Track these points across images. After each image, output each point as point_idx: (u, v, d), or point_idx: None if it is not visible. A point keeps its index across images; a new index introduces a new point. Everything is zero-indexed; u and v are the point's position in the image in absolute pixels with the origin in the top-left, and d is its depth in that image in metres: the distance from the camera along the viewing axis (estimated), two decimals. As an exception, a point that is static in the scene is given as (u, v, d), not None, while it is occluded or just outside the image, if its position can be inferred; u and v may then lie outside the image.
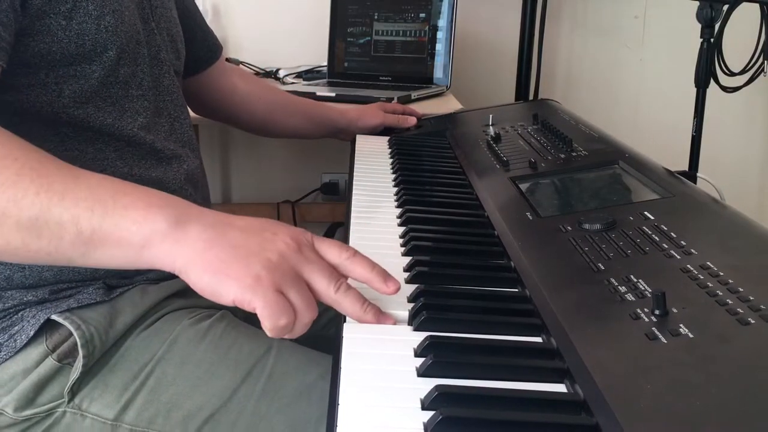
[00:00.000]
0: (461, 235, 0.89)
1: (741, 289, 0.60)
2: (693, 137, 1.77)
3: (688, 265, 0.66)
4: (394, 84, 1.91)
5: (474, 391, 0.55)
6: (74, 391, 0.80)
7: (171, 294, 0.88)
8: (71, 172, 0.67)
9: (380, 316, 0.66)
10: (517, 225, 0.86)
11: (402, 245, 0.85)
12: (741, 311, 0.57)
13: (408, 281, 0.75)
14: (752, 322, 0.56)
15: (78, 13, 0.81)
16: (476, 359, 0.59)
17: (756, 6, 1.73)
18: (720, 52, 1.73)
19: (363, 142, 1.37)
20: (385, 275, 0.67)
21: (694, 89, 1.74)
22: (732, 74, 1.79)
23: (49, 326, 0.80)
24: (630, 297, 0.63)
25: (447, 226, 0.91)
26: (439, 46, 1.93)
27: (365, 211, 0.99)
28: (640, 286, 0.65)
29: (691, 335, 0.56)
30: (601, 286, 0.67)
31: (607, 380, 0.52)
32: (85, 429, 0.81)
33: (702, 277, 0.64)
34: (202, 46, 1.20)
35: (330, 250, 0.68)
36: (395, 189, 1.08)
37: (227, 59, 2.00)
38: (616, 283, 0.66)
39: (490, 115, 1.38)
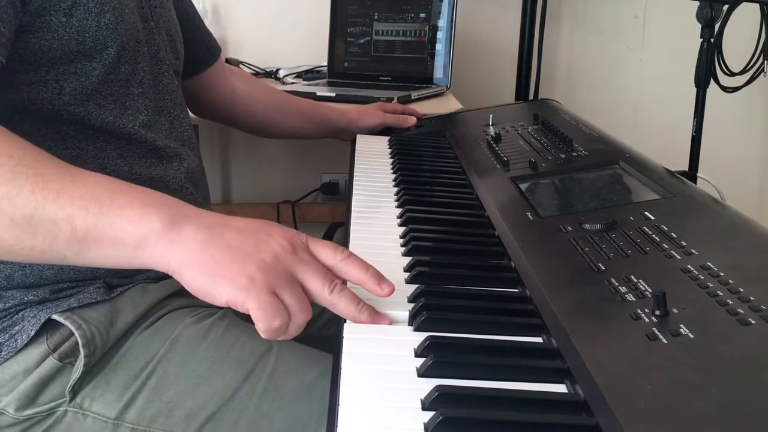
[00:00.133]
0: (461, 235, 0.89)
1: (741, 290, 0.60)
2: (693, 137, 1.77)
3: (689, 266, 0.66)
4: (394, 84, 1.91)
5: (474, 392, 0.55)
6: (75, 391, 0.80)
7: (172, 293, 0.89)
8: (68, 170, 0.68)
9: (375, 316, 0.66)
10: (518, 225, 0.86)
11: (402, 245, 0.85)
12: (741, 311, 0.57)
13: (408, 281, 0.75)
14: (752, 322, 0.56)
15: (78, 10, 0.81)
16: (477, 359, 0.59)
17: (756, 6, 1.73)
18: (720, 52, 1.73)
19: (363, 142, 1.38)
20: (379, 277, 0.67)
21: (694, 89, 1.74)
22: (732, 74, 1.79)
23: (49, 326, 0.80)
24: (630, 297, 0.63)
25: (447, 226, 0.91)
26: (439, 46, 1.93)
27: (365, 211, 0.99)
28: (641, 287, 0.65)
29: (691, 335, 0.56)
30: (601, 286, 0.67)
31: (608, 380, 0.52)
32: (87, 428, 0.81)
33: (702, 278, 0.64)
34: (200, 48, 1.20)
35: (324, 251, 0.68)
36: (395, 189, 1.08)
37: (227, 59, 2.01)
38: (617, 284, 0.66)
39: (490, 115, 1.38)
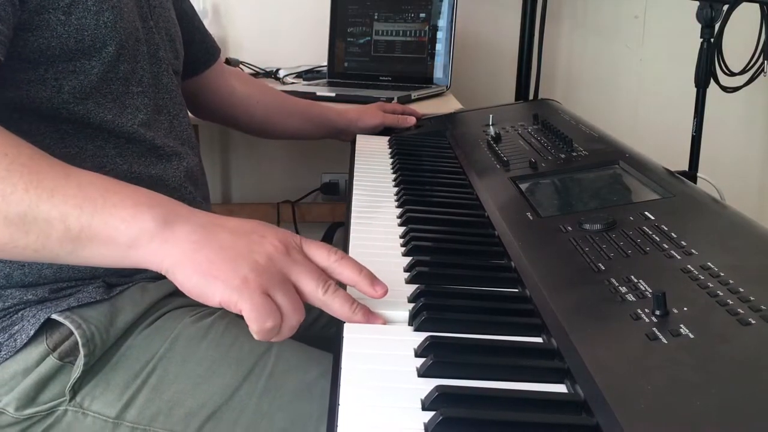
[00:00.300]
0: (461, 235, 0.89)
1: (741, 290, 0.60)
2: (693, 137, 1.77)
3: (689, 266, 0.66)
4: (394, 84, 1.91)
5: (474, 392, 0.55)
6: (75, 390, 0.80)
7: (171, 292, 0.88)
8: (62, 169, 0.67)
9: (370, 316, 0.66)
10: (518, 225, 0.86)
11: (402, 245, 0.85)
12: (741, 311, 0.57)
13: (408, 281, 0.75)
14: (752, 322, 0.56)
15: (77, 8, 0.81)
16: (477, 359, 0.59)
17: (756, 6, 1.73)
18: (720, 52, 1.73)
19: (363, 142, 1.38)
20: (373, 278, 0.67)
21: (694, 89, 1.74)
22: (732, 74, 1.79)
23: (49, 325, 0.80)
24: (630, 297, 0.63)
25: (447, 226, 0.91)
26: (439, 46, 1.93)
27: (365, 211, 0.99)
28: (641, 287, 0.65)
29: (691, 335, 0.56)
30: (601, 286, 0.67)
31: (608, 380, 0.52)
32: (87, 427, 0.81)
33: (702, 278, 0.64)
34: (200, 48, 1.20)
35: (318, 252, 0.68)
36: (395, 189, 1.08)
37: (227, 59, 2.01)
38: (617, 284, 0.66)
39: (490, 115, 1.38)
